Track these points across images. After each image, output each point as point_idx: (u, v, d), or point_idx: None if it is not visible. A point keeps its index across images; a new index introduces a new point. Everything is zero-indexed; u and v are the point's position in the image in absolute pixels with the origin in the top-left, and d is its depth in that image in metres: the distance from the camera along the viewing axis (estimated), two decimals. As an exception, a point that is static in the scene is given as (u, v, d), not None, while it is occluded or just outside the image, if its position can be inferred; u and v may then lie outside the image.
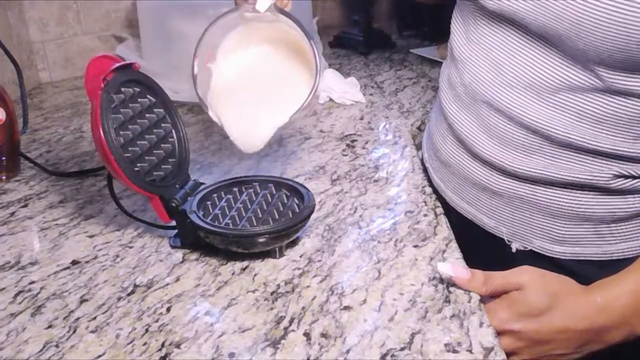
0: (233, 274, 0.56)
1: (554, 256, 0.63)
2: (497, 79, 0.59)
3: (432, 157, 0.73)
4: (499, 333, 0.50)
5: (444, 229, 0.62)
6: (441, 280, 0.54)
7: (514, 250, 0.65)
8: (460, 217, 0.68)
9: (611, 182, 0.57)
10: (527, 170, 0.59)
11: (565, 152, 0.57)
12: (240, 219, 0.58)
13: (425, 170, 0.76)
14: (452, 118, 0.65)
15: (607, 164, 0.56)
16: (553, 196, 0.59)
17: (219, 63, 0.66)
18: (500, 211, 0.64)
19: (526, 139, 0.58)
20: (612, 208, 0.59)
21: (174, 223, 0.60)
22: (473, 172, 0.64)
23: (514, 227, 0.64)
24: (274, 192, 0.63)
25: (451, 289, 0.53)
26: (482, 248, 0.63)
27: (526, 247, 0.64)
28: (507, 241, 0.65)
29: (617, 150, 0.55)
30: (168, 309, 0.51)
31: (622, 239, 0.61)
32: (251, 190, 0.63)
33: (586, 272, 0.58)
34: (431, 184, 0.73)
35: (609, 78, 0.52)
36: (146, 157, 0.58)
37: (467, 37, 0.64)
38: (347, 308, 0.51)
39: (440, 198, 0.70)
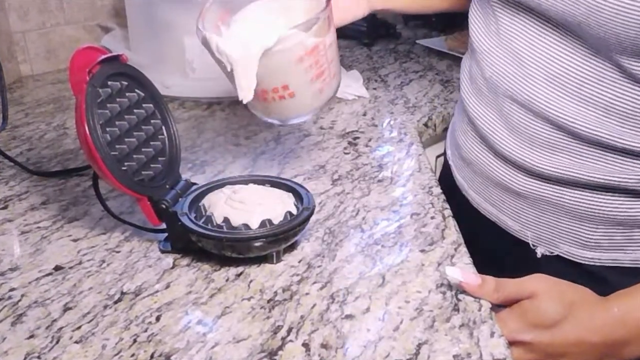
0: (227, 280, 0.56)
1: (582, 262, 0.63)
2: (518, 71, 0.59)
3: (455, 154, 0.73)
4: (510, 344, 0.50)
5: (453, 233, 0.62)
6: (449, 287, 0.54)
7: (539, 255, 0.65)
8: (484, 218, 0.68)
9: None
10: (552, 170, 0.59)
11: (592, 150, 0.57)
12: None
13: (432, 170, 0.76)
14: (473, 113, 0.66)
15: (636, 164, 0.56)
16: (580, 198, 0.59)
17: (232, 27, 0.63)
18: (525, 214, 0.64)
19: (551, 135, 0.58)
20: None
21: (164, 226, 0.60)
22: (496, 172, 0.64)
23: (539, 230, 0.64)
24: (271, 192, 0.63)
25: (460, 296, 0.53)
26: (505, 252, 0.63)
27: (552, 252, 0.64)
28: (532, 245, 0.65)
29: None
30: (157, 318, 0.51)
31: None
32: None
33: (617, 279, 0.58)
34: (453, 183, 0.73)
35: (633, 68, 0.52)
36: (134, 156, 0.58)
37: (486, 27, 0.64)
38: (349, 317, 0.51)
39: (462, 197, 0.70)
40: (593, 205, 0.59)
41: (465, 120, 0.69)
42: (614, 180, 0.57)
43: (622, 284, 0.55)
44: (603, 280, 0.57)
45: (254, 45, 0.58)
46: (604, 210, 0.59)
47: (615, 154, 0.57)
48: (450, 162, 0.75)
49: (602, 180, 0.57)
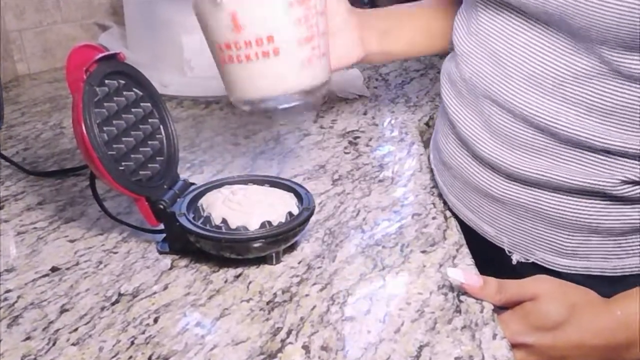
0: (226, 281, 0.56)
1: (557, 270, 0.63)
2: (497, 71, 0.59)
3: (436, 158, 0.73)
4: (512, 346, 0.50)
5: (455, 233, 0.62)
6: (451, 289, 0.54)
7: (514, 262, 0.65)
8: (463, 224, 0.68)
9: (619, 187, 0.56)
10: (531, 173, 0.59)
11: (572, 151, 0.57)
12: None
13: (431, 170, 0.76)
14: (454, 116, 0.65)
15: (616, 166, 0.56)
16: (558, 203, 0.59)
17: None
18: (501, 219, 0.64)
19: (530, 136, 0.58)
20: (621, 218, 0.58)
21: (162, 227, 0.60)
22: (474, 176, 0.64)
23: (515, 237, 0.64)
24: (270, 193, 0.63)
25: (462, 298, 0.53)
26: (485, 258, 0.63)
27: (528, 259, 0.64)
28: (507, 252, 0.65)
29: (628, 148, 0.54)
30: (155, 320, 0.51)
31: (633, 253, 0.60)
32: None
33: (595, 288, 0.57)
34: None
35: (615, 60, 0.51)
36: (132, 155, 0.58)
37: (467, 29, 0.64)
38: (349, 319, 0.51)
39: (444, 203, 0.70)
40: (569, 211, 0.59)
41: (446, 124, 0.68)
42: (593, 183, 0.56)
43: (601, 293, 0.55)
44: (583, 286, 0.57)
45: None
46: (580, 216, 0.59)
47: (595, 154, 0.56)
48: (432, 166, 0.75)
49: (582, 183, 0.57)
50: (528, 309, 0.53)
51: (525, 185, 0.60)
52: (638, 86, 0.52)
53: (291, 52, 0.57)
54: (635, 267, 0.61)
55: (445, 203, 0.68)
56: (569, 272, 0.62)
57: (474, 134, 0.63)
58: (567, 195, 0.59)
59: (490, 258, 0.65)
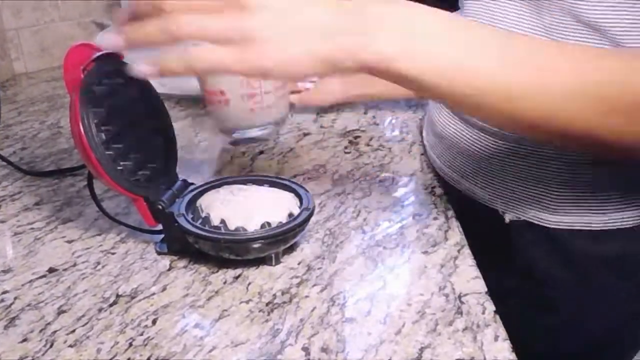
0: (225, 282, 0.56)
1: (549, 226, 0.65)
2: None
3: (429, 133, 0.76)
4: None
5: (456, 234, 0.62)
6: (453, 290, 0.54)
7: (507, 221, 0.67)
8: (458, 193, 0.70)
9: None
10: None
11: None
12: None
13: (433, 169, 0.76)
14: None
15: None
16: (547, 159, 0.62)
17: None
18: (493, 181, 0.66)
19: None
20: (599, 176, 0.61)
21: (160, 227, 0.60)
22: (465, 139, 0.67)
23: (506, 197, 0.66)
24: (270, 193, 0.63)
25: (464, 299, 0.53)
26: (480, 223, 0.66)
27: (519, 218, 0.66)
28: (500, 212, 0.67)
29: None
30: (154, 321, 0.51)
31: (615, 208, 0.62)
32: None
33: (581, 244, 0.60)
34: (435, 174, 0.75)
35: (582, 14, 0.54)
36: (130, 155, 0.58)
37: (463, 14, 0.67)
38: (349, 320, 0.51)
39: (440, 180, 0.73)
40: (554, 167, 0.61)
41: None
42: None
43: (587, 249, 0.57)
44: (568, 245, 0.60)
45: None
46: (563, 173, 0.61)
47: None
48: (425, 143, 0.78)
49: None
50: None
51: (513, 142, 0.62)
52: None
53: (237, 104, 0.77)
54: (619, 221, 0.63)
55: (448, 202, 0.68)
56: (559, 227, 0.64)
57: None
58: (551, 151, 0.61)
59: (485, 222, 0.67)
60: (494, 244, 0.57)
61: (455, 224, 0.64)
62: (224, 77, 0.76)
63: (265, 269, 0.57)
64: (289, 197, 0.61)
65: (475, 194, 0.69)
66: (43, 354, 0.48)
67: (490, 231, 0.67)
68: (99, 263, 0.59)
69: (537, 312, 0.70)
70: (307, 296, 0.54)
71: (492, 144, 0.64)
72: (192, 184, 0.64)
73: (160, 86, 0.98)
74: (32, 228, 0.65)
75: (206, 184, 0.63)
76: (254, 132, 0.82)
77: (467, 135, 0.67)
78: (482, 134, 0.65)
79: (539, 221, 0.65)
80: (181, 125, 0.89)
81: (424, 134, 0.80)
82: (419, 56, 0.45)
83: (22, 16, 1.11)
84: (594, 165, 0.61)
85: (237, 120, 0.80)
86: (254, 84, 0.76)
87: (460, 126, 0.68)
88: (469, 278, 0.56)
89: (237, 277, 0.57)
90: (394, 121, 0.91)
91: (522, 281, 0.69)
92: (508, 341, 0.48)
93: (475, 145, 0.66)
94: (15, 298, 0.54)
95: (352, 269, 0.57)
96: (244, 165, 0.78)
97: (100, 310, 0.53)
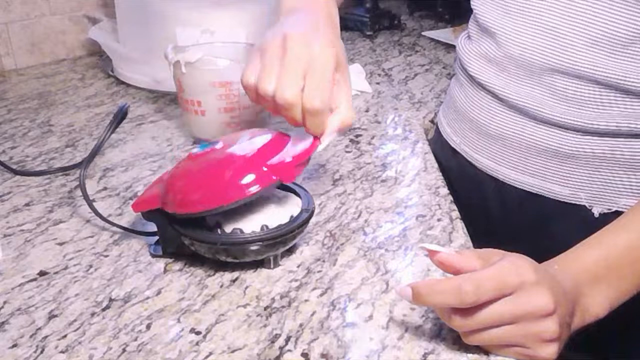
0: (221, 286, 0.56)
1: None
2: (555, 43, 0.63)
3: (472, 134, 0.75)
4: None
5: (460, 236, 0.62)
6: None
7: (596, 215, 0.67)
8: (518, 195, 0.71)
9: None
10: (605, 126, 0.62)
11: (609, 95, 0.61)
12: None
13: (439, 170, 0.76)
14: (503, 93, 0.69)
15: None
16: (633, 148, 0.63)
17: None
18: (575, 176, 0.67)
19: (599, 94, 0.62)
20: None
21: (154, 229, 0.60)
22: (541, 140, 0.67)
23: (593, 190, 0.66)
24: (268, 193, 0.63)
25: (468, 303, 0.53)
26: (552, 221, 0.68)
27: (610, 209, 0.66)
28: (587, 206, 0.67)
29: None
30: (148, 326, 0.51)
31: None
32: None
33: None
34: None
35: None
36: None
37: (505, 9, 0.67)
38: (350, 325, 0.51)
39: (481, 182, 0.73)
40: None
41: (486, 99, 0.72)
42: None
43: None
44: None
45: (181, 56, 0.76)
46: None
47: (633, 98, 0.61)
48: (463, 147, 0.77)
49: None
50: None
51: (600, 137, 0.63)
52: None
53: (213, 116, 0.78)
54: None
55: (452, 202, 0.68)
56: None
57: (534, 103, 0.66)
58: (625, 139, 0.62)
59: (560, 219, 0.68)
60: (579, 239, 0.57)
61: (460, 226, 0.64)
62: (202, 88, 0.77)
63: (263, 272, 0.57)
64: (288, 197, 0.61)
65: (550, 191, 0.69)
66: (33, 360, 0.48)
67: (567, 224, 0.68)
68: (91, 266, 0.59)
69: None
70: (306, 300, 0.54)
71: (577, 141, 0.65)
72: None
73: (154, 83, 0.98)
74: (22, 230, 0.65)
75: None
76: None
77: (542, 135, 0.67)
78: (564, 132, 0.65)
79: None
80: (176, 123, 0.89)
81: (451, 133, 0.79)
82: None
83: (11, 10, 1.11)
84: None
85: (211, 133, 0.79)
86: (232, 98, 0.77)
87: (531, 126, 0.68)
88: (474, 281, 0.55)
89: (234, 281, 0.57)
90: (396, 119, 0.91)
91: None
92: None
93: (554, 143, 0.66)
94: (5, 302, 0.54)
95: (353, 272, 0.58)
96: (242, 164, 0.78)
97: (92, 314, 0.53)
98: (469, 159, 0.76)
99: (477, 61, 0.72)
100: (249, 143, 0.59)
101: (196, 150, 0.59)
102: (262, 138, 0.60)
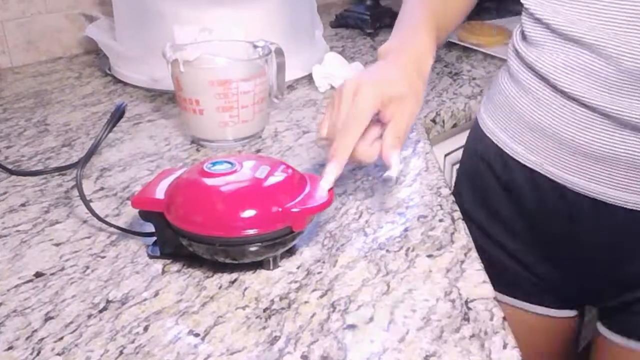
0: (220, 287, 0.56)
1: None
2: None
3: (562, 153, 0.70)
4: None
5: (463, 236, 0.62)
6: (459, 295, 0.54)
7: None
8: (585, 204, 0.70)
9: None
10: None
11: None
12: (228, 225, 0.58)
13: (440, 170, 0.76)
14: (611, 109, 0.64)
15: None
16: None
17: None
18: (629, 180, 0.65)
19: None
20: None
21: (152, 229, 0.60)
22: (623, 150, 0.64)
23: None
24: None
25: (471, 305, 0.53)
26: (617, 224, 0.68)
27: None
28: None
29: None
30: (145, 328, 0.51)
31: None
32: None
33: None
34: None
35: None
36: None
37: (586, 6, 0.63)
38: (351, 327, 0.51)
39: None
40: None
41: (557, 101, 0.68)
42: None
43: None
44: None
45: (179, 54, 0.77)
46: None
47: None
48: (547, 168, 0.72)
49: None
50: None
51: None
52: None
53: (211, 115, 0.79)
54: None
55: (454, 203, 0.68)
56: None
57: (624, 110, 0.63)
58: None
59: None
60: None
61: (462, 226, 0.64)
62: (200, 87, 0.77)
63: (262, 274, 0.57)
64: None
65: (625, 201, 0.67)
66: (29, 363, 0.48)
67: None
68: (88, 267, 0.59)
69: None
70: (306, 302, 0.54)
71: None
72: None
73: (152, 82, 0.98)
74: (17, 230, 0.65)
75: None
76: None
77: (626, 145, 0.64)
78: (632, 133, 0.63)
79: None
80: (174, 122, 0.89)
81: (505, 137, 0.75)
82: None
83: (7, 8, 1.11)
84: None
85: (209, 132, 0.81)
86: (231, 96, 0.78)
87: (608, 134, 0.65)
88: (476, 283, 0.56)
89: (233, 282, 0.57)
90: (397, 118, 0.91)
91: None
92: (517, 349, 0.49)
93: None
94: (0, 304, 0.54)
95: (354, 273, 0.57)
96: (240, 164, 0.78)
97: (89, 316, 0.53)
98: (559, 181, 0.71)
99: (569, 75, 0.66)
100: (266, 178, 0.58)
101: (209, 165, 0.58)
102: (280, 175, 0.59)
